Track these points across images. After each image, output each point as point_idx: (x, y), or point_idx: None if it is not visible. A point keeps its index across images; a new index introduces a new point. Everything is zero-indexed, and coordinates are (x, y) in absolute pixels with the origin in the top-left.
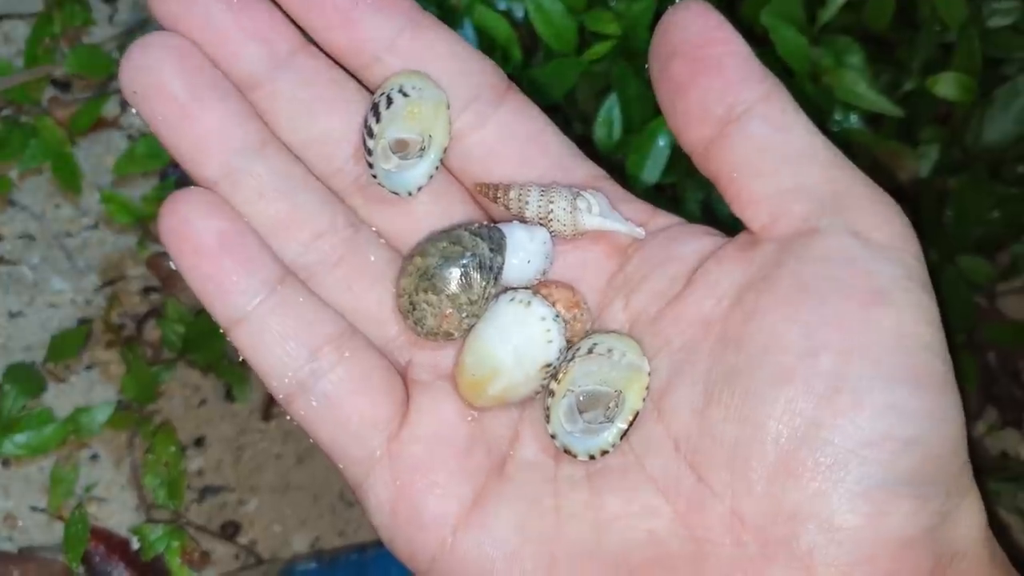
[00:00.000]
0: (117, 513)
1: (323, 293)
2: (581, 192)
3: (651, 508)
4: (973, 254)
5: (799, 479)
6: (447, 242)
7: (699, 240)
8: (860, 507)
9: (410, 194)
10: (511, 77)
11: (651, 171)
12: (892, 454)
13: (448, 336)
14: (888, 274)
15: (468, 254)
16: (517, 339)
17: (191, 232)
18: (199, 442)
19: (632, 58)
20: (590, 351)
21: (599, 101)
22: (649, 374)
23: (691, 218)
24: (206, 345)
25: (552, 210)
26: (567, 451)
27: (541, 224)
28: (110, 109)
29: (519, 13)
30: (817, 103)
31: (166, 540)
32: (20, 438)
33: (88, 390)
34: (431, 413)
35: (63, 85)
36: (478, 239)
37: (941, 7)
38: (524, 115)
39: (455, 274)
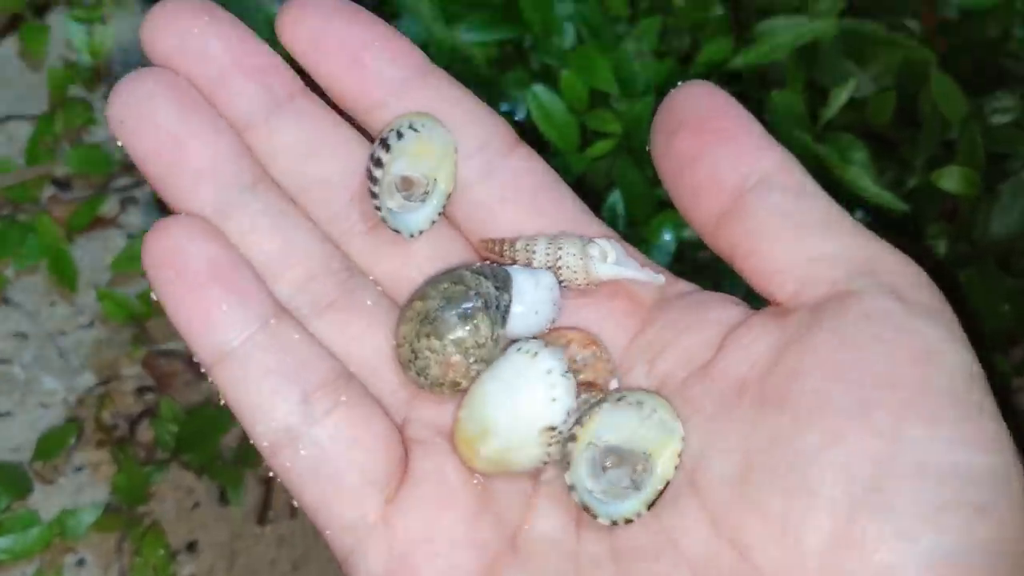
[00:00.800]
0: None
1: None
2: (593, 239)
3: None
4: (986, 350)
5: (860, 551)
6: (448, 282)
7: (726, 307)
8: None
9: (412, 236)
10: None
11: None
12: (963, 521)
13: (455, 387)
14: (934, 334)
15: (472, 293)
16: (516, 395)
17: (179, 258)
18: (191, 547)
19: (634, 154)
20: (619, 400)
21: (602, 197)
22: (683, 439)
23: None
24: (200, 444)
25: (561, 257)
26: (586, 509)
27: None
28: (109, 208)
29: (520, 115)
30: None
31: None
32: (3, 542)
33: (77, 492)
34: (433, 475)
35: (63, 184)
36: (481, 277)
37: (942, 103)
38: (534, 168)
39: (459, 316)
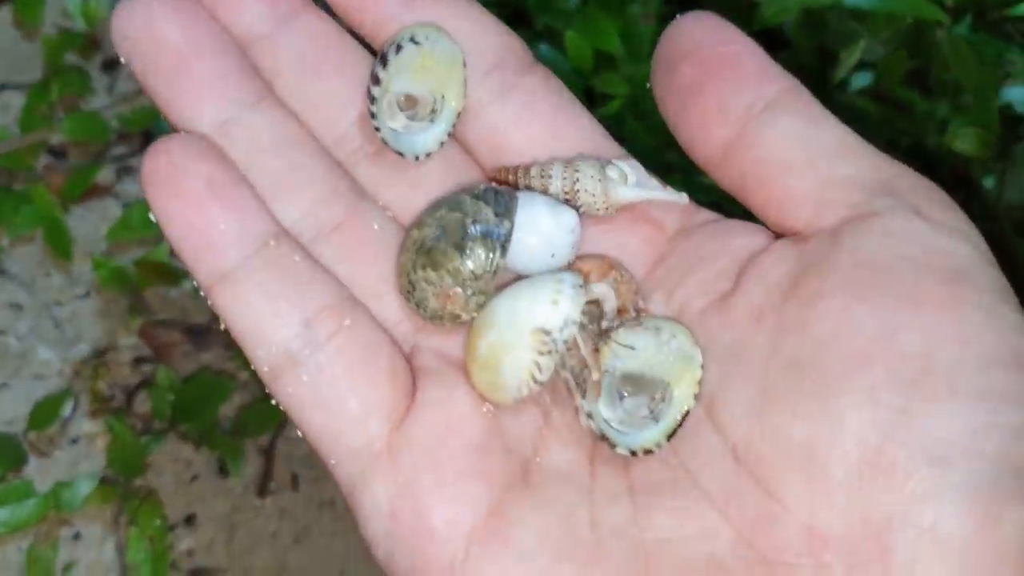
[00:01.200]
0: None
1: (320, 261)
2: (612, 161)
3: (710, 529)
4: None
5: (892, 480)
6: (446, 209)
7: (750, 234)
8: (969, 509)
9: (417, 158)
10: None
11: None
12: (999, 444)
13: (455, 319)
14: (964, 252)
15: (469, 221)
16: (521, 295)
17: (177, 176)
18: (190, 520)
19: (641, 117)
20: (636, 325)
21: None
22: (702, 367)
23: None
24: (198, 414)
25: (579, 180)
26: (604, 439)
27: (567, 201)
28: (105, 177)
29: None
30: None
31: None
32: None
33: (72, 464)
34: (440, 402)
35: (59, 153)
36: (480, 203)
37: (955, 66)
38: (552, 89)
39: (454, 246)
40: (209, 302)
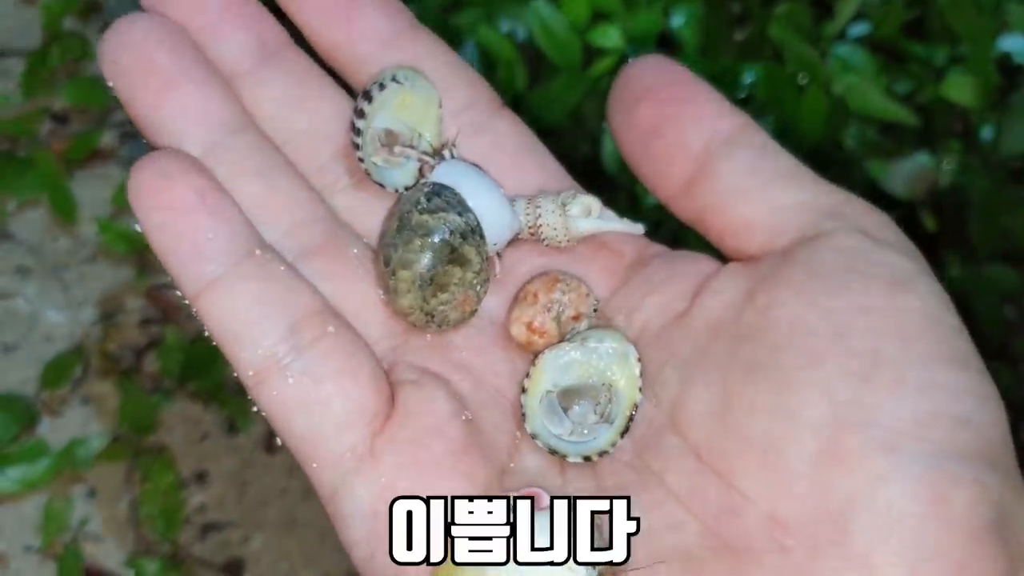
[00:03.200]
0: (114, 552)
1: None
2: (575, 194)
3: (676, 523)
4: (1000, 265)
5: (846, 466)
6: (418, 237)
7: (699, 262)
8: (919, 491)
9: (396, 190)
10: (516, 99)
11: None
12: (945, 431)
13: (473, 313)
14: (906, 266)
15: (448, 236)
16: None
17: (166, 187)
18: (201, 477)
19: None
20: (561, 343)
21: (599, 131)
22: (639, 360)
23: (702, 238)
24: (206, 372)
25: (540, 216)
26: (554, 452)
27: (532, 235)
28: (108, 142)
29: (522, 35)
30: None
31: (163, 574)
32: (13, 472)
33: (84, 424)
34: (421, 408)
35: (61, 119)
36: (440, 214)
37: (952, 16)
38: (519, 132)
39: (452, 263)
40: (194, 310)
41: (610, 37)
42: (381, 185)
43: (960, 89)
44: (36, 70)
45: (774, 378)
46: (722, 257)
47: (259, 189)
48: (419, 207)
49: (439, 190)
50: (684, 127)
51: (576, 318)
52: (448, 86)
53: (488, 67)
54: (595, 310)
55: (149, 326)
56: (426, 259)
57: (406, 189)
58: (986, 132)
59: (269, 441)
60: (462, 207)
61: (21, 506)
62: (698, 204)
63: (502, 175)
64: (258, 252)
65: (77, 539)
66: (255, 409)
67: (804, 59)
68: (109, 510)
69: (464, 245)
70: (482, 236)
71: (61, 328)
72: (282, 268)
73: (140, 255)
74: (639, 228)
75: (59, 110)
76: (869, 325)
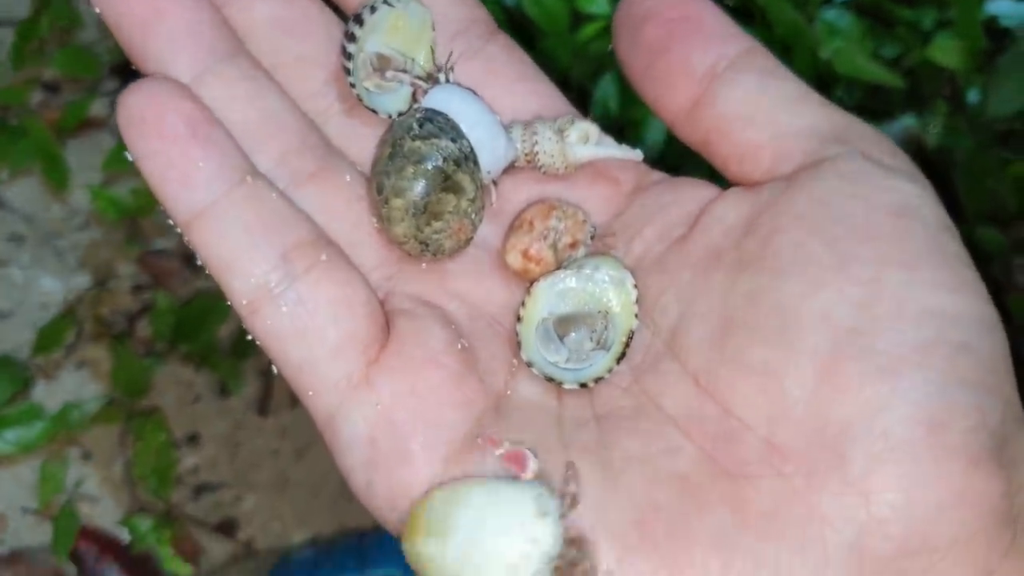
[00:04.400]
0: (110, 512)
1: None
2: (572, 119)
3: (674, 448)
4: (987, 226)
5: (844, 392)
6: (408, 164)
7: (700, 188)
8: (918, 417)
9: (390, 116)
10: None
11: (649, 148)
12: (945, 359)
13: (469, 241)
14: (909, 191)
15: (441, 162)
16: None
17: (156, 114)
18: (193, 439)
19: None
20: (557, 271)
21: (594, 82)
22: (635, 286)
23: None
24: (197, 334)
25: (537, 142)
26: (551, 380)
27: (528, 162)
28: (99, 110)
29: (511, 1)
30: (818, 80)
31: (157, 531)
32: (10, 435)
33: (79, 388)
34: (417, 337)
35: (52, 88)
36: (433, 140)
37: None
38: (515, 56)
39: (445, 190)
40: (186, 239)
41: (597, 3)
42: (373, 111)
43: (947, 52)
44: (26, 40)
45: (775, 305)
46: (725, 185)
47: (250, 116)
48: (411, 133)
49: (432, 115)
50: (690, 49)
51: (573, 246)
52: (443, 8)
53: None
54: (592, 237)
55: (141, 291)
56: (419, 187)
57: (399, 115)
58: (972, 95)
59: (261, 403)
60: (456, 133)
61: (17, 468)
62: (702, 128)
63: (498, 100)
64: (249, 179)
65: (73, 500)
66: (263, 366)
67: (791, 24)
68: (104, 472)
69: (458, 172)
70: (476, 163)
71: (55, 295)
72: (274, 196)
73: (132, 222)
74: (638, 154)
75: (50, 79)
76: (871, 252)
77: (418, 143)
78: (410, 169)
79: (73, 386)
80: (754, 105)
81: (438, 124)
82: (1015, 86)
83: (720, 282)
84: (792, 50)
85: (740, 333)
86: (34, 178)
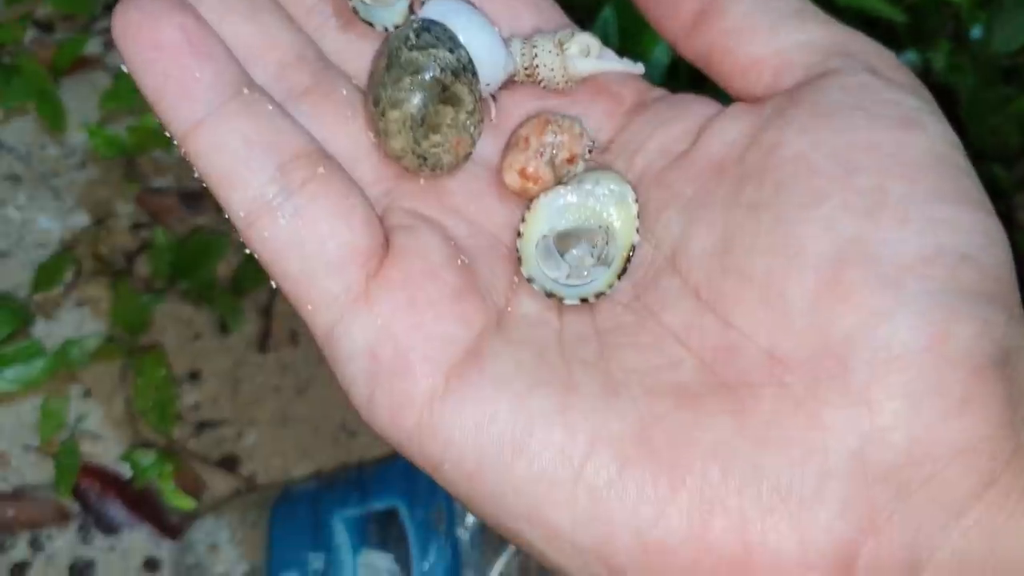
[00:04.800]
0: (112, 450)
1: None
2: (572, 32)
3: (674, 361)
4: (989, 163)
5: (847, 302)
6: (408, 74)
7: (703, 104)
8: (921, 326)
9: (386, 29)
10: None
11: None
12: (948, 268)
13: (468, 156)
14: (913, 104)
15: (439, 72)
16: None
17: (151, 25)
18: (194, 376)
19: None
20: (557, 185)
21: (595, 12)
22: (636, 200)
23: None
24: (196, 270)
25: (537, 56)
26: (551, 295)
27: (528, 77)
28: (94, 49)
29: None
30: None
31: (158, 466)
32: (10, 373)
33: (78, 326)
34: (416, 252)
35: (45, 26)
36: (431, 50)
37: None
38: None
39: (444, 102)
40: (183, 151)
41: None
42: (370, 24)
43: None
44: None
45: (777, 216)
46: (727, 102)
47: (246, 30)
48: (408, 44)
49: (429, 26)
50: None
51: (571, 160)
52: None
53: None
54: (590, 151)
55: (140, 230)
56: (416, 98)
57: (396, 28)
58: (976, 31)
59: (261, 341)
60: (453, 43)
61: (18, 406)
62: (705, 43)
63: (496, 14)
64: (246, 91)
65: (74, 437)
66: (262, 303)
67: None
68: (105, 409)
69: (456, 83)
70: (474, 74)
71: (53, 234)
72: (270, 107)
73: (129, 160)
74: (639, 68)
75: (42, 17)
76: (874, 162)
77: (415, 53)
78: (407, 80)
79: (72, 324)
80: (756, 20)
81: (435, 34)
82: (1019, 22)
83: (722, 196)
84: None
85: (742, 245)
86: (29, 117)
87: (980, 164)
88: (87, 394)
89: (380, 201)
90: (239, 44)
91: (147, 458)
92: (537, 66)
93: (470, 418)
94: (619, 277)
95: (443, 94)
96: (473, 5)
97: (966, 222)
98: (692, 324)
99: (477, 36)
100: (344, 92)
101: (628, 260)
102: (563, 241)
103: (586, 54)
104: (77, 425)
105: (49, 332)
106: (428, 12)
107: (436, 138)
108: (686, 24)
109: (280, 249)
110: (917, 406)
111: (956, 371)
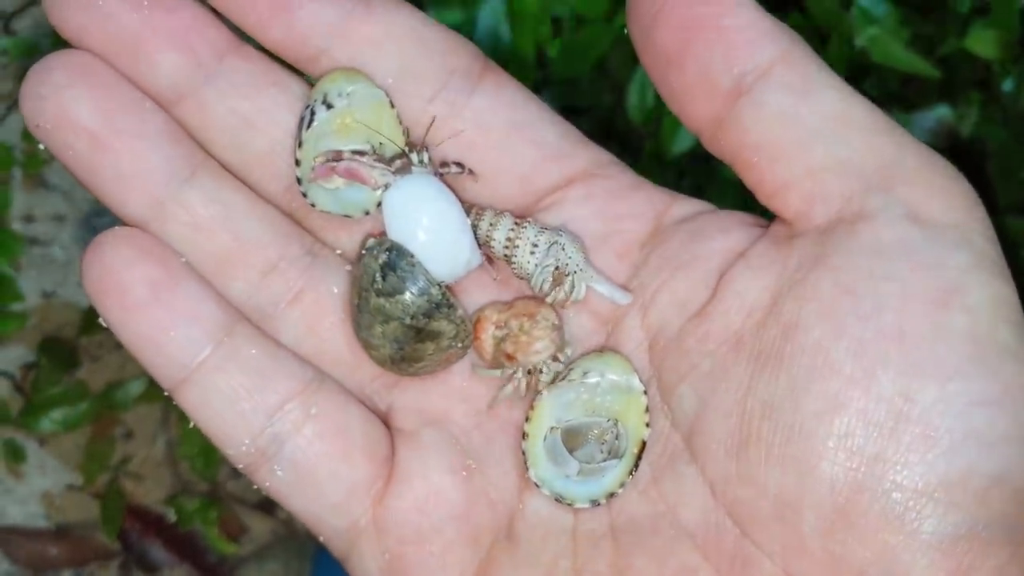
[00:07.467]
0: (153, 491)
1: (281, 337)
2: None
3: (689, 569)
4: (1016, 216)
5: (862, 532)
6: (376, 323)
7: (727, 235)
8: (942, 565)
9: (367, 213)
10: (540, 57)
11: (684, 138)
12: (975, 496)
13: (462, 358)
14: (957, 264)
15: (408, 319)
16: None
17: (118, 283)
18: None
19: None
20: (559, 380)
21: (631, 69)
22: (644, 393)
23: (729, 188)
24: None
25: (518, 246)
26: (560, 500)
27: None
28: None
29: None
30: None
31: (203, 512)
32: (56, 414)
33: (121, 367)
34: (420, 472)
35: None
36: (396, 297)
37: None
38: (505, 99)
39: (421, 339)
40: (175, 402)
41: None
42: (348, 216)
43: (982, 42)
44: None
45: (792, 422)
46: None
47: (222, 242)
48: (375, 287)
49: (395, 262)
50: (709, 60)
51: (508, 357)
52: (415, 63)
53: (514, 22)
54: (561, 349)
55: None
56: (389, 348)
57: (362, 248)
58: (1007, 84)
59: None
60: (424, 280)
61: (62, 446)
62: (728, 150)
63: (490, 162)
64: (227, 339)
65: (118, 478)
66: None
67: (828, 11)
68: (147, 450)
69: (431, 322)
70: (451, 306)
71: None
72: (255, 350)
73: None
74: (627, 298)
75: None
76: (903, 360)
77: (382, 300)
78: (378, 329)
79: (115, 365)
80: (783, 134)
81: (400, 273)
82: None
83: (739, 380)
84: (827, 38)
85: (757, 448)
86: None
87: (1007, 218)
88: (128, 435)
89: (382, 395)
90: (217, 258)
91: (191, 503)
92: (518, 263)
93: None
94: (631, 474)
95: (418, 336)
96: (440, 187)
97: (999, 431)
98: (709, 526)
99: (440, 234)
100: (335, 290)
101: (639, 457)
102: (571, 436)
103: (590, 281)
104: (121, 468)
105: (93, 372)
106: (392, 202)
107: (420, 365)
108: (706, 126)
109: (283, 494)
110: None
111: None
